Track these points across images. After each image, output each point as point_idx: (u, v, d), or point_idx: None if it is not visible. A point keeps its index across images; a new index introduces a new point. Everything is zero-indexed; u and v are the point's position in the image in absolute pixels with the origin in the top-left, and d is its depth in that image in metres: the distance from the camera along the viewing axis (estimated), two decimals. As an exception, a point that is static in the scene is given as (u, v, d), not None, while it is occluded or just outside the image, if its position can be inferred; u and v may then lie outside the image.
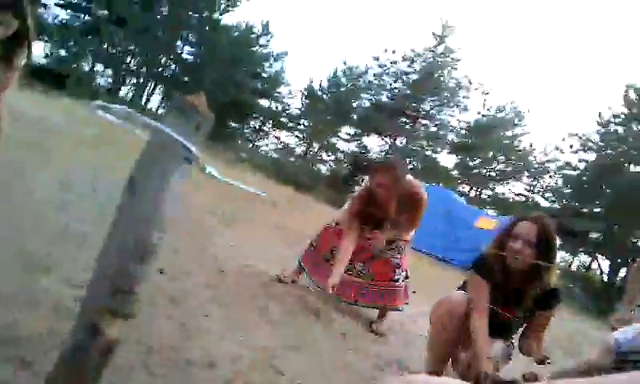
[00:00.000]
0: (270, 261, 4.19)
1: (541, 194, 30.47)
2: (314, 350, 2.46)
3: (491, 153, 31.46)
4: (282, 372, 2.05)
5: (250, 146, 35.08)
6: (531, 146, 30.97)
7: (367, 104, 33.48)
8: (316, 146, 34.98)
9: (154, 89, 32.22)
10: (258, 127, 35.80)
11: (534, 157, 30.87)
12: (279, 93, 34.59)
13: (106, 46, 28.20)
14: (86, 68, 28.29)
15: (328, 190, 24.42)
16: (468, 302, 2.41)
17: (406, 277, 3.63)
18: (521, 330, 2.53)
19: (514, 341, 2.55)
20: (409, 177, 3.50)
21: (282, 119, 34.99)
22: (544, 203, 29.30)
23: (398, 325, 3.70)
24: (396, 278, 3.55)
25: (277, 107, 35.01)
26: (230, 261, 3.67)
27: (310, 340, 2.57)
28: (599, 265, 26.61)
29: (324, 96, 34.30)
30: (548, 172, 30.26)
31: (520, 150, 31.10)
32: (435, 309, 2.56)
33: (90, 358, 0.90)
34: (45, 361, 1.36)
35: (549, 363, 2.26)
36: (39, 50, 25.55)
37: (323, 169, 34.12)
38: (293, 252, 4.71)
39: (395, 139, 32.41)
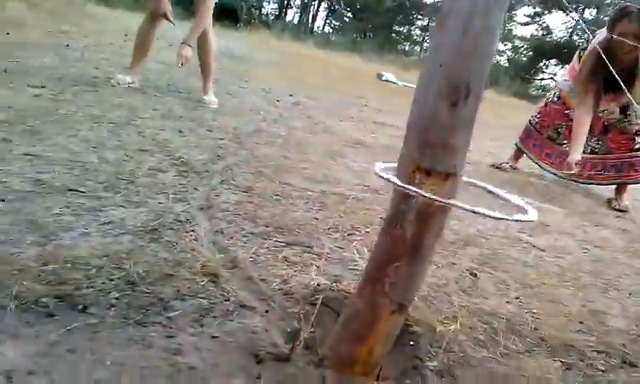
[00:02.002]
0: (483, 153, 4.08)
1: None
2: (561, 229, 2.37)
3: None
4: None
5: (418, 49, 33.75)
6: None
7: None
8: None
9: (318, 6, 32.45)
10: (425, 26, 34.13)
11: None
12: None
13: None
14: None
15: (511, 82, 22.69)
16: None
17: None
18: None
19: None
20: None
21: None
22: None
23: (634, 202, 3.37)
24: (637, 147, 3.22)
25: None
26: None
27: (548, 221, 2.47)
28: None
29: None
30: None
31: None
32: None
33: (406, 222, 0.85)
34: (320, 244, 1.52)
35: None
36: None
37: (501, 60, 31.48)
38: (497, 145, 4.57)
39: (583, 11, 28.37)
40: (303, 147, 2.74)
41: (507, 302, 1.43)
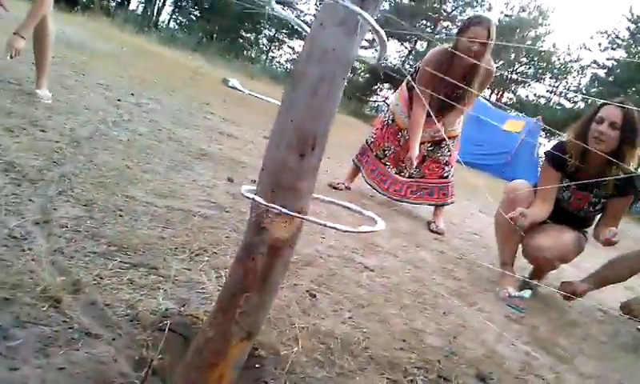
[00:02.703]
0: (320, 170, 4.33)
1: (563, 94, 30.00)
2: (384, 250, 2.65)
3: (513, 55, 30.54)
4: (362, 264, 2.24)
5: (264, 57, 34.24)
6: (554, 46, 30.09)
7: (387, 6, 32.12)
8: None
9: (164, 1, 31.17)
10: (272, 36, 34.74)
11: (558, 57, 30.08)
12: (292, -2, 33.21)
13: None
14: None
15: (348, 101, 24.14)
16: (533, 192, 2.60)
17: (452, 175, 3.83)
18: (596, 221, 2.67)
19: (587, 233, 2.70)
20: None
21: (296, 27, 33.78)
22: (567, 104, 28.93)
23: (449, 225, 3.89)
24: (445, 174, 3.78)
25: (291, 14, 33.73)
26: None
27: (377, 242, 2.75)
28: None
29: (339, 0, 32.89)
30: (571, 72, 29.65)
31: (543, 51, 30.21)
32: (501, 203, 2.73)
33: (258, 255, 0.92)
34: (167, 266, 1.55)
35: (615, 243, 2.38)
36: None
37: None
38: (333, 163, 4.89)
39: (415, 43, 31.43)
40: (147, 156, 2.67)
41: (342, 322, 1.59)
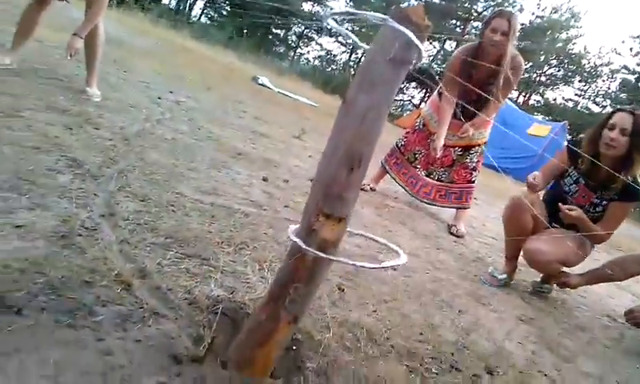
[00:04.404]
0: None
1: (592, 98, 29.56)
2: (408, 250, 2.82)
3: (543, 56, 30.19)
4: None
5: (292, 54, 34.49)
6: (585, 48, 29.67)
7: (416, 4, 31.98)
8: (359, 52, 34.17)
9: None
10: (301, 33, 34.97)
11: (588, 60, 29.63)
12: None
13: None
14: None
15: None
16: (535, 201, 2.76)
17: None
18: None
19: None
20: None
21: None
22: (595, 108, 28.52)
23: (469, 228, 4.03)
24: (473, 179, 3.92)
25: (320, 10, 33.92)
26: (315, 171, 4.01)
27: (399, 242, 2.91)
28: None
29: (370, -3, 32.93)
30: (601, 76, 29.19)
31: (574, 54, 29.79)
32: (507, 206, 2.90)
33: (307, 253, 1.07)
34: (215, 257, 1.75)
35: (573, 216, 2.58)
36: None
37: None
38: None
39: (444, 43, 31.32)
40: (190, 154, 2.88)
41: (367, 315, 1.76)
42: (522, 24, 30.27)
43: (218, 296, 1.46)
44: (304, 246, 1.06)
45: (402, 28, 0.98)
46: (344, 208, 1.08)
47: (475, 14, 30.46)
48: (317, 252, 1.05)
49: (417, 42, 1.00)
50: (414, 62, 1.04)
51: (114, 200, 1.86)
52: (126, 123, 3.03)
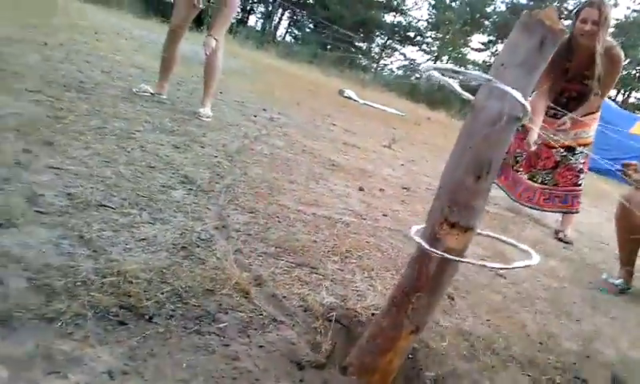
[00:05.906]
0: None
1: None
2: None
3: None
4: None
5: (375, 65, 34.47)
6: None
7: (503, 8, 30.98)
8: (444, 59, 33.48)
9: (281, 16, 32.64)
10: (384, 44, 34.90)
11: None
12: (404, 4, 33.13)
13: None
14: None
15: (461, 104, 23.57)
16: None
17: None
18: None
19: None
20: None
21: (408, 33, 33.67)
22: None
23: (577, 233, 3.77)
24: (579, 182, 3.66)
25: (403, 21, 33.73)
26: (409, 180, 3.95)
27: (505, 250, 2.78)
28: None
29: (453, 3, 32.27)
30: None
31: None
32: (618, 206, 2.74)
33: (431, 263, 1.05)
34: (323, 266, 1.75)
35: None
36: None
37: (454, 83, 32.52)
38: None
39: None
40: (288, 168, 2.95)
41: (481, 324, 1.69)
42: (617, 19, 28.31)
43: (331, 304, 1.46)
44: (429, 248, 1.02)
45: (508, 88, 0.93)
46: (471, 218, 1.03)
47: (566, 13, 28.82)
48: (442, 253, 1.02)
49: (524, 102, 0.96)
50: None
51: (225, 213, 1.93)
52: (227, 141, 3.16)
